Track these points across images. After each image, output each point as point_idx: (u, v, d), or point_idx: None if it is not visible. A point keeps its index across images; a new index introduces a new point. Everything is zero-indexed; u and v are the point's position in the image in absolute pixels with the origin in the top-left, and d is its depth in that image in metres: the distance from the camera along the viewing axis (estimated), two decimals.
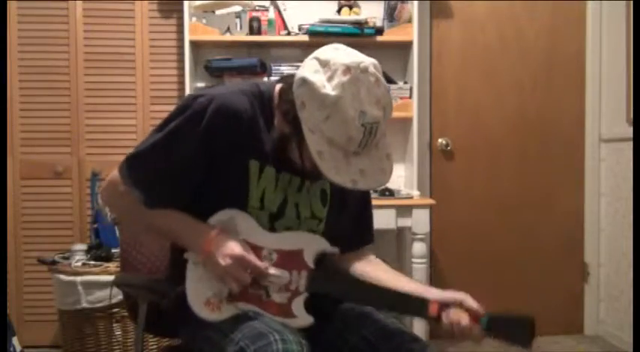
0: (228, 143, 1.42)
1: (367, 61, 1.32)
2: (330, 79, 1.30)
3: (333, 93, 1.28)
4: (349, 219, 1.61)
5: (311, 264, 1.42)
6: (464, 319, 1.35)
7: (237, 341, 1.31)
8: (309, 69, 1.33)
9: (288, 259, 1.42)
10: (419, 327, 3.09)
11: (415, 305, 1.37)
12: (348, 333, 1.48)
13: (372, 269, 1.59)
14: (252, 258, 1.39)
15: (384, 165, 1.37)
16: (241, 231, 1.43)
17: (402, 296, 1.39)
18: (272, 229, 1.47)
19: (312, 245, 1.44)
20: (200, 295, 1.42)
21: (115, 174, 1.48)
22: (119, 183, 1.46)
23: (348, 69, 1.29)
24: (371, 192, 1.68)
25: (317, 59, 1.33)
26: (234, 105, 1.42)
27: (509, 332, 1.33)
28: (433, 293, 1.41)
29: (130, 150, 1.48)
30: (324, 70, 1.31)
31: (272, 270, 1.40)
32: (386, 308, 1.45)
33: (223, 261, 1.37)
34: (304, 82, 1.31)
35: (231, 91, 1.46)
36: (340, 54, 1.33)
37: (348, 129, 1.28)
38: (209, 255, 1.39)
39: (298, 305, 1.39)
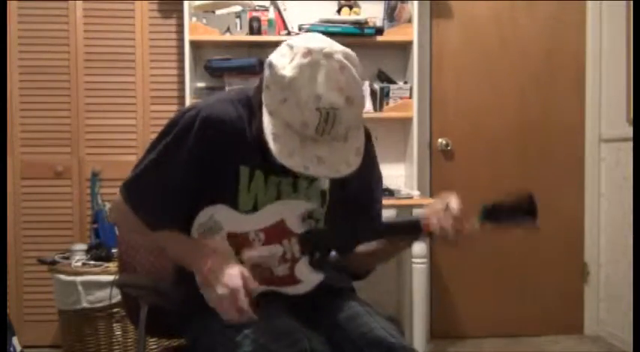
0: (218, 152, 1.43)
1: (336, 48, 1.30)
2: (291, 61, 1.29)
3: (289, 74, 1.27)
4: (355, 219, 1.59)
5: (297, 229, 1.43)
6: (455, 217, 1.37)
7: (256, 338, 1.32)
8: (277, 53, 1.34)
9: (275, 233, 1.43)
10: (419, 327, 3.09)
11: (409, 227, 1.40)
12: (336, 336, 1.47)
13: None
14: (242, 294, 1.33)
15: (350, 158, 1.33)
16: (223, 224, 1.45)
17: (393, 225, 1.42)
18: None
19: (291, 211, 1.44)
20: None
21: (118, 198, 1.50)
22: (123, 203, 1.48)
23: (309, 52, 1.28)
24: (379, 189, 1.65)
25: (287, 44, 1.34)
26: (221, 114, 1.43)
27: (513, 215, 1.34)
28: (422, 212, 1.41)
29: (128, 173, 1.50)
30: (289, 53, 1.31)
31: (259, 252, 1.41)
32: (382, 237, 1.45)
33: (220, 290, 1.34)
34: (270, 65, 1.32)
35: (218, 100, 1.48)
36: (310, 40, 1.32)
37: (302, 112, 1.26)
38: (207, 282, 1.39)
39: (301, 270, 1.41)
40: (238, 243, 1.44)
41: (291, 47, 1.32)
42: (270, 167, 1.42)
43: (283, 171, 1.37)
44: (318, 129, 1.27)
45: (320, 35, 1.36)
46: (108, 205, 3.33)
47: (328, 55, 1.28)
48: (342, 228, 1.50)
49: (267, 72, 1.33)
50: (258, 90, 1.40)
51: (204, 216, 1.46)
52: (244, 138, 1.44)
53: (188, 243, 1.47)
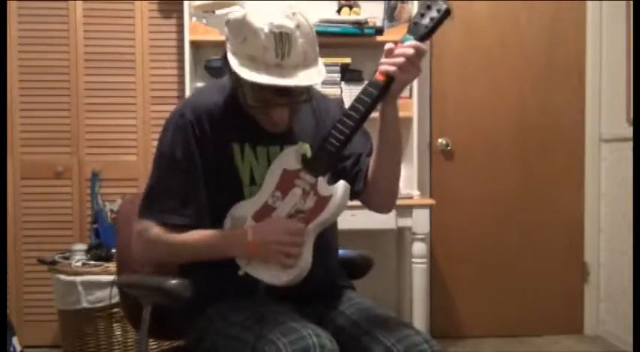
0: (211, 136, 1.53)
1: None
2: (241, 9, 1.44)
3: (242, 14, 1.42)
4: (348, 162, 1.65)
5: (299, 166, 1.51)
6: (392, 54, 1.45)
7: (265, 334, 1.35)
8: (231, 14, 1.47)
9: (286, 182, 1.51)
10: (419, 327, 3.08)
11: (372, 88, 1.47)
12: (349, 329, 1.50)
13: None
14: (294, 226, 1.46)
15: (312, 76, 1.45)
16: (244, 214, 1.52)
17: (361, 100, 1.48)
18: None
19: (287, 158, 1.54)
20: (271, 273, 1.46)
21: (137, 227, 1.56)
22: (145, 230, 1.54)
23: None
24: (363, 150, 1.68)
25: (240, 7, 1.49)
26: (203, 102, 1.56)
27: (433, 22, 1.45)
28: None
29: (143, 191, 1.58)
30: (240, 8, 1.46)
31: (287, 207, 1.49)
32: (363, 116, 1.50)
33: (277, 237, 1.43)
34: (226, 22, 1.46)
35: (199, 92, 1.67)
36: None
37: (260, 39, 1.39)
38: (256, 250, 1.45)
39: (323, 189, 1.48)
40: (265, 214, 1.50)
41: (241, 5, 1.47)
42: (256, 139, 1.55)
43: (269, 141, 1.54)
44: (277, 50, 1.39)
45: None
46: (108, 205, 3.33)
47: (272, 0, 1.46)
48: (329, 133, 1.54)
49: (225, 29, 1.47)
50: (224, 60, 1.49)
51: (226, 223, 1.53)
52: (229, 119, 1.55)
53: (218, 233, 1.52)
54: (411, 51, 1.42)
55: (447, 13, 1.45)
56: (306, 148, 1.54)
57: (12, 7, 3.41)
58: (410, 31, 1.47)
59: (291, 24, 1.40)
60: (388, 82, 1.46)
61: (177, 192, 1.52)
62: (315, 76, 1.45)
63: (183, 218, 1.52)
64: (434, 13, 1.45)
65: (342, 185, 1.47)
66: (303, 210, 1.47)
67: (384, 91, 1.47)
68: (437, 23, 1.46)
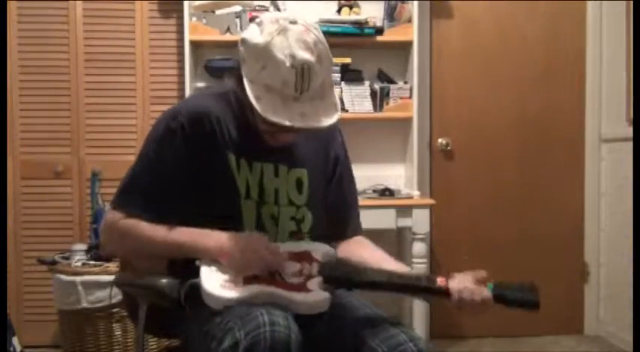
0: (205, 142, 1.52)
1: (297, 16, 1.44)
2: (261, 32, 1.41)
3: (262, 41, 1.38)
4: (334, 210, 1.67)
5: (320, 259, 1.51)
6: (468, 281, 1.47)
7: (226, 323, 1.34)
8: (247, 30, 1.45)
9: (298, 257, 1.50)
10: (419, 327, 3.09)
11: (424, 281, 1.46)
12: (335, 328, 1.49)
13: (356, 248, 1.66)
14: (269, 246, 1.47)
15: (330, 112, 1.43)
16: None
17: (410, 277, 1.47)
18: (259, 216, 1.56)
19: (317, 248, 1.53)
20: (215, 280, 1.45)
21: (108, 217, 1.56)
22: (116, 221, 1.54)
23: (276, 20, 1.42)
24: (353, 182, 1.73)
25: (255, 22, 1.45)
26: (200, 107, 1.55)
27: (518, 298, 1.46)
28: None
29: (121, 183, 1.58)
30: (258, 28, 1.42)
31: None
32: (397, 290, 1.50)
33: (242, 253, 1.43)
34: (242, 41, 1.43)
35: (196, 96, 1.67)
36: (274, 13, 1.48)
37: (280, 72, 1.36)
38: (231, 255, 1.44)
39: (314, 284, 1.45)
40: None
41: (258, 24, 1.43)
42: (253, 153, 1.54)
43: (265, 157, 1.53)
44: (297, 86, 1.37)
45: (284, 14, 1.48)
46: (108, 205, 3.33)
47: (293, 21, 1.42)
48: (365, 268, 1.52)
49: (241, 48, 1.43)
50: (237, 80, 1.47)
51: None
52: (226, 128, 1.54)
53: (194, 232, 1.51)
54: (479, 302, 1.45)
55: (531, 306, 1.44)
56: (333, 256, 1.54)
57: (12, 7, 3.41)
58: (498, 285, 1.50)
59: (312, 57, 1.38)
60: (443, 293, 1.46)
61: (153, 191, 1.52)
62: (332, 113, 1.43)
63: (148, 214, 1.51)
64: (522, 295, 1.47)
65: (322, 295, 1.44)
66: (284, 278, 1.46)
67: (433, 294, 1.47)
68: (516, 303, 1.46)
